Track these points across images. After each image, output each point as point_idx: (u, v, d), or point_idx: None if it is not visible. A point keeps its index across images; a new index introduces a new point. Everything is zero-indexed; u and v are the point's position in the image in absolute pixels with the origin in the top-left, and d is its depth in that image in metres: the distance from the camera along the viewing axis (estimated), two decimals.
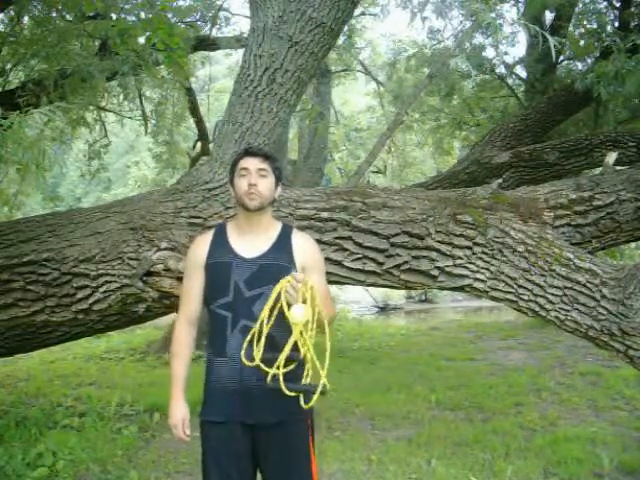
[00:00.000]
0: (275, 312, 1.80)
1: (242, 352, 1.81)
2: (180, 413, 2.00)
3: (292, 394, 1.73)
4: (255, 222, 2.00)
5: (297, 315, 1.72)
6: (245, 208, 1.97)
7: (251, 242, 1.99)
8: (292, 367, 1.76)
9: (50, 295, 3.08)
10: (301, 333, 1.73)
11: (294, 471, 1.95)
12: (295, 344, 1.74)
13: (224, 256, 1.97)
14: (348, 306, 14.99)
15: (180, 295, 2.13)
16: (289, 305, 1.75)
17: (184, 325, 2.05)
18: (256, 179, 1.96)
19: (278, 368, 1.73)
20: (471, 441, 4.14)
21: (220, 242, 2.01)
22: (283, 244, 2.00)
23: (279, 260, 1.96)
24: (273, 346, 1.78)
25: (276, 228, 2.05)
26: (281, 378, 1.72)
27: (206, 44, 8.02)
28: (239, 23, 52.58)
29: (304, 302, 1.75)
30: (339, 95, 17.60)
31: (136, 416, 4.80)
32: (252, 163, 1.99)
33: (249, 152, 2.04)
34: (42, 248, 3.16)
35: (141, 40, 5.09)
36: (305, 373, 1.77)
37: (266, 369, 1.74)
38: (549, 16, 8.34)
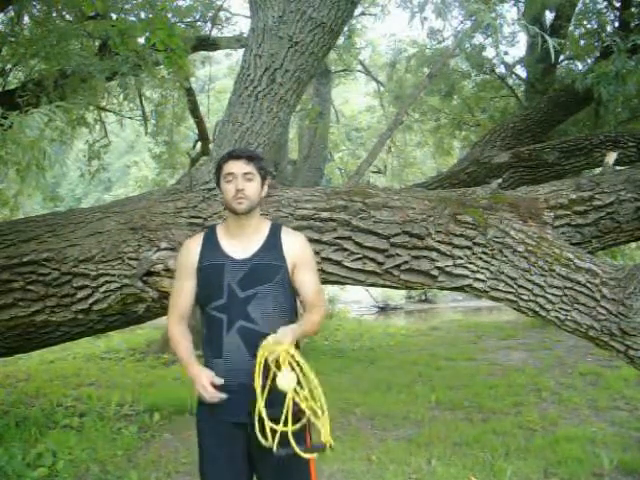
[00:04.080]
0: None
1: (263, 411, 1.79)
2: (204, 373, 1.91)
3: (307, 456, 1.79)
4: (244, 224, 2.01)
5: (284, 383, 1.76)
6: (233, 212, 1.99)
7: (241, 243, 2.00)
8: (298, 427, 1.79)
9: (50, 295, 3.08)
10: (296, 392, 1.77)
11: (291, 473, 1.94)
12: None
13: (216, 258, 1.99)
14: (348, 306, 14.98)
15: (170, 297, 2.13)
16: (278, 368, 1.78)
17: (176, 322, 2.05)
18: (242, 183, 1.96)
19: (286, 426, 1.76)
20: (471, 441, 4.13)
21: (211, 245, 2.03)
22: (273, 243, 2.01)
23: (270, 259, 1.98)
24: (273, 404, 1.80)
25: (265, 227, 2.06)
26: (291, 439, 1.75)
27: (206, 44, 8.01)
28: (239, 23, 52.65)
29: (291, 365, 1.77)
30: (339, 95, 17.60)
31: (136, 416, 4.80)
32: (237, 167, 1.98)
33: (233, 156, 2.02)
34: (42, 248, 3.16)
35: (141, 40, 5.09)
36: (318, 430, 1.80)
37: (273, 426, 1.77)
38: (549, 16, 8.34)
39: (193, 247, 2.05)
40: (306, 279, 2.02)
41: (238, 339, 1.90)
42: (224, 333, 1.91)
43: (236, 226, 2.02)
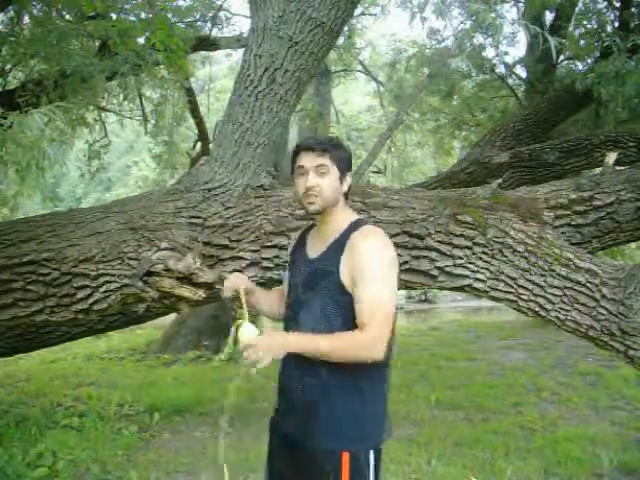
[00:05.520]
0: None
1: None
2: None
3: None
4: (324, 220, 1.79)
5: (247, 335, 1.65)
6: (305, 211, 1.79)
7: (317, 241, 1.82)
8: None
9: (50, 295, 3.08)
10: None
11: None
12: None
13: (297, 255, 1.88)
14: None
15: None
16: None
17: None
18: (314, 179, 1.71)
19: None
20: (471, 441, 4.13)
21: (302, 239, 1.92)
22: (339, 245, 1.73)
23: (327, 264, 1.73)
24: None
25: (344, 225, 1.76)
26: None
27: (206, 44, 8.02)
28: (239, 23, 52.60)
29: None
30: (339, 95, 17.60)
31: (136, 416, 4.80)
32: (308, 160, 1.72)
33: (304, 146, 1.75)
34: (42, 248, 3.16)
35: (141, 40, 5.09)
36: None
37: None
38: (549, 16, 8.34)
39: (294, 240, 1.98)
40: (357, 293, 1.65)
41: None
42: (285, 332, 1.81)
43: (318, 222, 1.83)
